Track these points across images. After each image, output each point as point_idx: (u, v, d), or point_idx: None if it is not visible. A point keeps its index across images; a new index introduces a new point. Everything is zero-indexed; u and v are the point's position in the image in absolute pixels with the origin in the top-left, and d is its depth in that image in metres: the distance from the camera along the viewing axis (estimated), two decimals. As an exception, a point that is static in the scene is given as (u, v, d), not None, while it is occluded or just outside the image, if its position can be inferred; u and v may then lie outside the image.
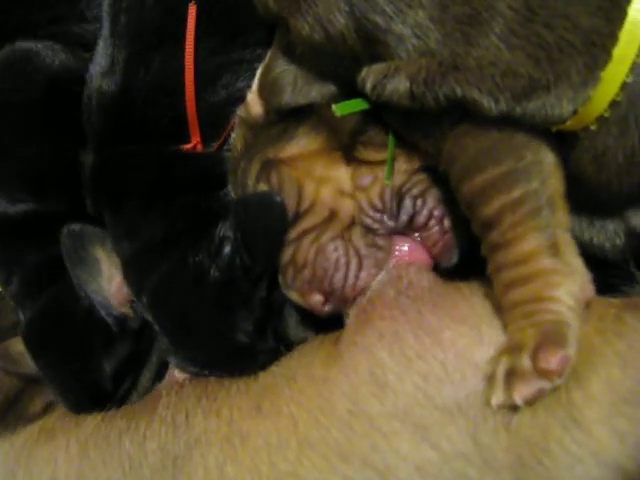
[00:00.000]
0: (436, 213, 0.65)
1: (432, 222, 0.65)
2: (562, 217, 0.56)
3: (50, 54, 0.80)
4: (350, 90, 0.61)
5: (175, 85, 0.73)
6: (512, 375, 0.52)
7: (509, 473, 0.55)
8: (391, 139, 0.64)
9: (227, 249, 0.69)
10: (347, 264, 0.65)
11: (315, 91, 0.64)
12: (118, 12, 0.75)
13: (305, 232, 0.67)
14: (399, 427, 0.58)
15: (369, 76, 0.56)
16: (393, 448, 0.58)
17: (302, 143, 0.68)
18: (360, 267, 0.65)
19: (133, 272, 0.75)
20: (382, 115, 0.63)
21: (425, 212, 0.65)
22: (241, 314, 0.70)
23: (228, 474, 0.62)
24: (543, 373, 0.50)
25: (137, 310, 0.77)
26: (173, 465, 0.66)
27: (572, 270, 0.55)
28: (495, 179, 0.55)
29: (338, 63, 0.60)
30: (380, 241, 0.66)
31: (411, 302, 0.62)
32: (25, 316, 0.80)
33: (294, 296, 0.68)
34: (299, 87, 0.64)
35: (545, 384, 0.51)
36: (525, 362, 0.51)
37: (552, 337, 0.51)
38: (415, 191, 0.65)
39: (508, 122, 0.53)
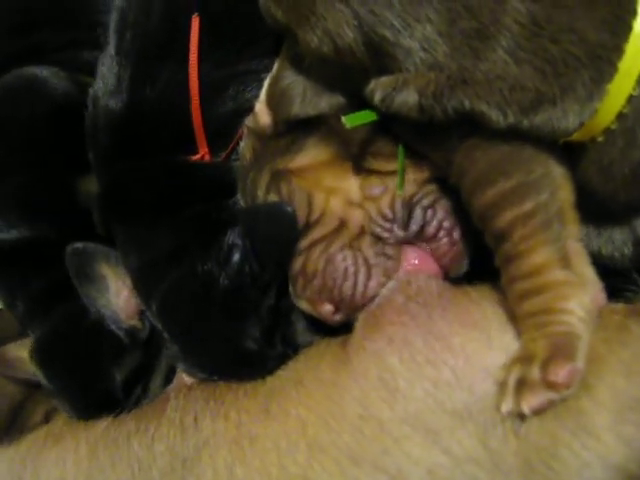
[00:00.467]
0: (446, 224, 0.65)
1: (442, 233, 0.66)
2: (573, 228, 0.56)
3: (55, 82, 0.81)
4: (358, 101, 0.61)
5: (182, 98, 0.73)
6: (522, 385, 0.52)
7: (519, 477, 0.56)
8: (401, 150, 0.65)
9: (236, 257, 0.70)
10: (356, 273, 0.65)
11: (324, 102, 0.64)
12: (124, 28, 0.76)
13: (315, 242, 0.67)
14: (410, 432, 0.58)
15: (377, 88, 0.56)
16: (404, 452, 0.58)
17: (311, 154, 0.68)
18: (369, 276, 0.65)
19: (143, 281, 0.75)
20: (391, 126, 0.64)
21: (435, 223, 0.65)
22: (250, 321, 0.70)
23: (237, 476, 0.63)
24: (551, 385, 0.51)
25: (145, 320, 0.78)
26: (182, 467, 0.66)
27: (583, 281, 0.55)
28: (506, 192, 0.56)
29: (346, 75, 0.61)
30: (389, 250, 0.66)
31: (420, 308, 0.62)
32: (35, 335, 0.81)
33: (305, 305, 0.69)
34: (308, 98, 0.65)
35: (553, 395, 0.52)
36: (535, 373, 0.52)
37: (562, 349, 0.52)
38: (426, 202, 0.66)
39: (517, 135, 0.54)
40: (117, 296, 0.78)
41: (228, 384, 0.70)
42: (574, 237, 0.56)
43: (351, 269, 0.66)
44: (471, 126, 0.55)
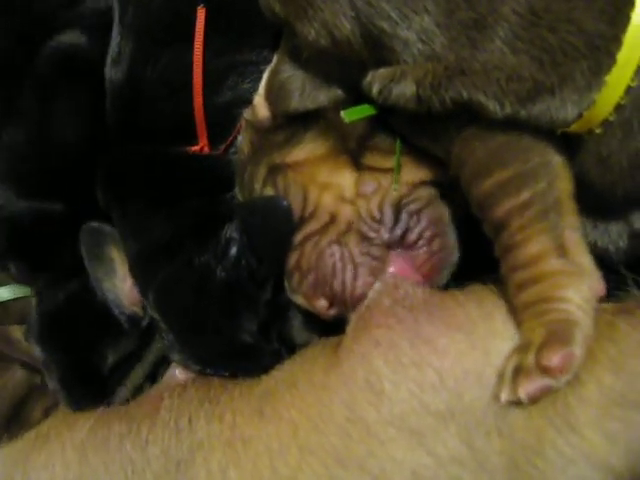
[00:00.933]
0: (426, 234, 0.66)
1: (420, 242, 0.66)
2: (571, 218, 0.56)
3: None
4: (357, 95, 0.61)
5: (181, 84, 0.73)
6: (519, 372, 0.52)
7: (503, 476, 0.56)
8: (398, 145, 0.65)
9: (233, 250, 0.70)
10: (343, 270, 0.66)
11: (323, 96, 0.64)
12: (127, 2, 0.76)
13: (308, 236, 0.67)
14: (395, 433, 0.58)
15: (375, 80, 0.56)
16: (389, 454, 0.58)
17: (309, 148, 0.68)
18: (355, 274, 0.65)
19: (139, 270, 0.76)
20: (389, 120, 0.64)
21: (417, 230, 0.65)
22: (246, 315, 0.70)
23: (231, 478, 0.63)
24: (546, 370, 0.51)
25: (147, 308, 0.78)
26: (176, 470, 0.65)
27: (580, 270, 0.55)
28: (504, 182, 0.55)
29: (344, 68, 0.61)
30: (375, 251, 0.66)
31: (407, 311, 0.62)
32: (40, 307, 0.81)
33: (300, 300, 0.69)
34: (307, 92, 0.65)
35: (549, 381, 0.51)
36: (530, 360, 0.52)
37: (557, 335, 0.52)
38: (413, 207, 0.66)
39: (515, 125, 0.54)
40: (123, 281, 0.78)
41: (223, 384, 0.70)
42: (572, 227, 0.56)
43: (339, 265, 0.66)
44: (469, 116, 0.55)
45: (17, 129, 0.82)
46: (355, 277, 0.65)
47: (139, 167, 0.76)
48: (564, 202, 0.56)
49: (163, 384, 0.77)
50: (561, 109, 0.52)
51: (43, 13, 0.83)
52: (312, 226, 0.67)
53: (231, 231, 0.70)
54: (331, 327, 0.70)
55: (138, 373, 0.79)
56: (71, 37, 0.82)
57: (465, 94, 0.52)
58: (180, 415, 0.68)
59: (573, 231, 0.56)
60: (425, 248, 0.66)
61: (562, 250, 0.55)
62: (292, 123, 0.68)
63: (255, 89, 0.72)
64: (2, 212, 0.83)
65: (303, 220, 0.68)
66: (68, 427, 0.74)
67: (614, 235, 0.61)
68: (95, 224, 0.78)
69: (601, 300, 0.57)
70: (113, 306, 0.78)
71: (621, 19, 0.50)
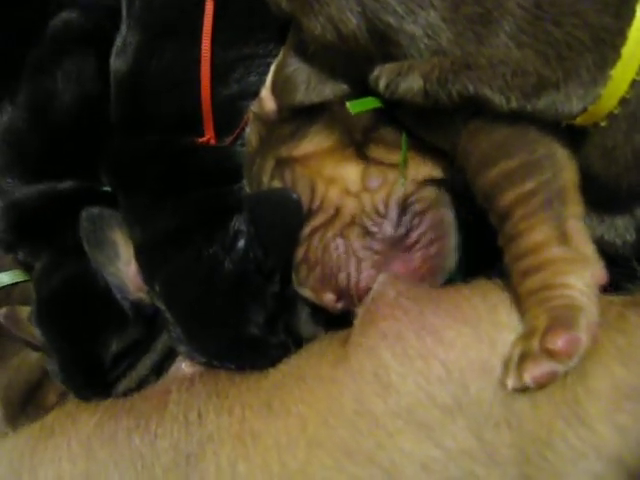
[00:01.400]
0: (425, 237, 0.66)
1: (418, 245, 0.66)
2: (575, 207, 0.56)
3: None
4: (362, 88, 0.61)
5: (187, 77, 0.74)
6: (524, 358, 0.53)
7: (514, 468, 0.56)
8: (404, 139, 0.65)
9: (241, 243, 0.70)
10: (347, 263, 0.66)
11: (328, 89, 0.65)
12: None
13: (315, 230, 0.68)
14: (403, 426, 0.58)
15: (382, 75, 0.57)
16: (398, 447, 0.58)
17: (315, 141, 0.68)
18: (359, 268, 0.66)
19: (145, 260, 0.75)
20: (395, 114, 0.64)
21: (417, 232, 0.66)
22: (253, 307, 0.70)
23: (240, 472, 0.63)
24: (550, 354, 0.51)
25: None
26: (186, 463, 0.66)
27: (583, 257, 0.55)
28: (509, 172, 0.56)
29: (350, 62, 0.61)
30: (376, 245, 0.66)
31: (412, 302, 0.63)
32: (43, 292, 0.80)
33: (308, 294, 0.69)
34: (313, 85, 0.65)
35: (555, 365, 0.52)
36: (535, 345, 0.52)
37: (561, 320, 0.52)
38: (417, 207, 0.66)
39: (520, 118, 0.54)
40: (127, 265, 0.76)
41: (231, 378, 0.70)
42: (576, 216, 0.56)
43: (343, 258, 0.66)
44: (475, 109, 0.55)
45: (19, 112, 0.82)
46: (358, 270, 0.66)
47: (145, 157, 0.76)
48: (569, 191, 0.56)
49: (169, 377, 0.76)
50: (566, 103, 0.52)
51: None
52: (319, 219, 0.68)
53: (239, 223, 0.71)
54: (338, 320, 0.70)
55: (145, 364, 0.78)
56: (63, 16, 0.84)
57: (471, 88, 0.53)
58: (189, 409, 0.68)
59: (577, 220, 0.56)
60: (422, 252, 0.66)
61: (565, 238, 0.55)
62: (298, 116, 0.69)
63: (261, 82, 0.72)
64: (9, 197, 0.83)
65: (310, 213, 0.68)
66: (73, 421, 0.74)
67: (621, 229, 0.62)
68: (95, 209, 0.77)
69: (611, 293, 0.57)
70: (117, 292, 0.76)
71: (626, 12, 0.50)
